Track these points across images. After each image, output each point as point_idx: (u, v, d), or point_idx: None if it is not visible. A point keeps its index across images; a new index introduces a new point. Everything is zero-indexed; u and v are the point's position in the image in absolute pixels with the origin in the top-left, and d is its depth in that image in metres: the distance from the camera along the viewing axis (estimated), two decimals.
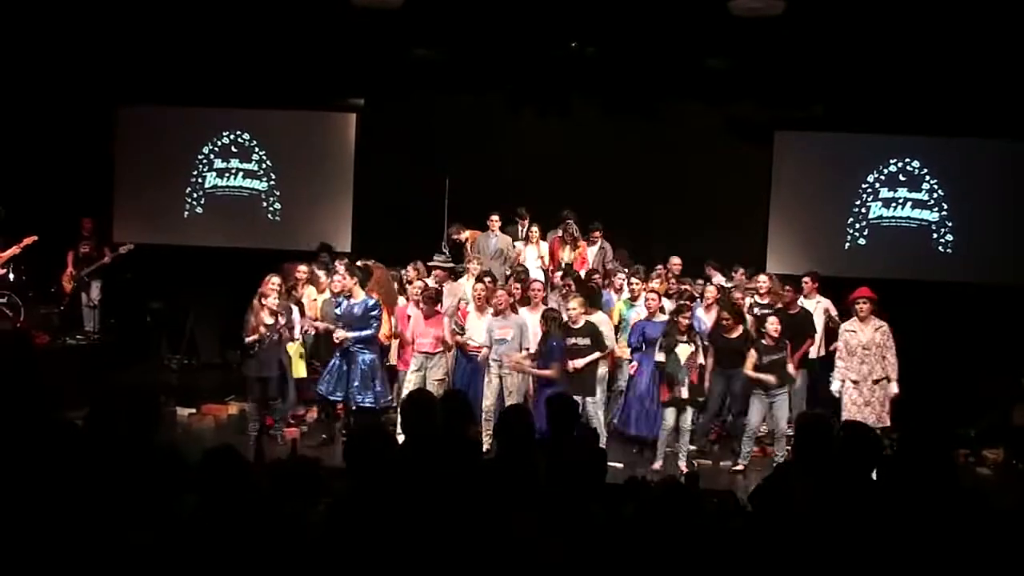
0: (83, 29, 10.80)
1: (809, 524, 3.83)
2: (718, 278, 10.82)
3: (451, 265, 10.31)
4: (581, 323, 8.57)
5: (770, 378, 8.38)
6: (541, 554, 3.63)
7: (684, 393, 8.41)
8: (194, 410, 9.83)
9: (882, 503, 3.81)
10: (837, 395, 8.67)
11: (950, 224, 12.03)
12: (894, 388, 8.47)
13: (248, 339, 8.68)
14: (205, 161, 13.05)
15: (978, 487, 4.17)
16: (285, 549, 3.63)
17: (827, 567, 3.65)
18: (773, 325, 8.51)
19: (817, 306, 9.88)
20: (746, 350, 8.59)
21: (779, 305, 9.67)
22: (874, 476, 4.05)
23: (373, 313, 8.74)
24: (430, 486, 3.98)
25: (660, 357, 8.56)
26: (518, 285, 9.50)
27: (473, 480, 4.30)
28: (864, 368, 8.48)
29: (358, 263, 9.67)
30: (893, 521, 3.70)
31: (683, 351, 8.43)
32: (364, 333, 8.69)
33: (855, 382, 8.51)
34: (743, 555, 3.79)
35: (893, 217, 12.17)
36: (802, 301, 9.85)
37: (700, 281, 10.54)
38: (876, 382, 8.48)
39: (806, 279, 10.10)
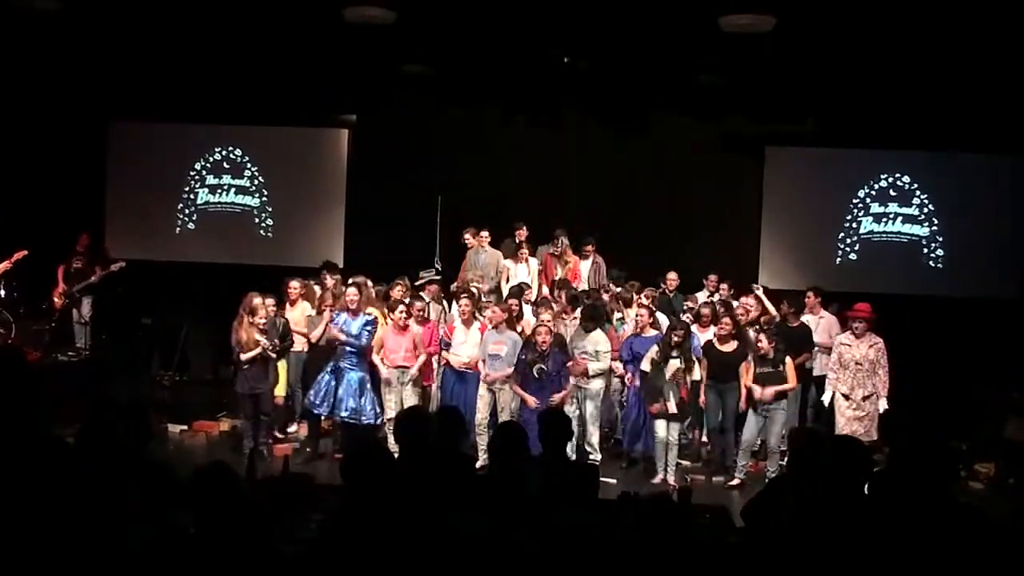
0: (76, 45, 10.79)
1: (801, 539, 3.83)
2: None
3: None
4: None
5: (767, 392, 8.35)
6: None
7: (672, 408, 8.42)
8: (186, 427, 9.79)
9: (874, 518, 3.81)
10: (827, 406, 8.74)
11: (940, 239, 12.08)
12: (884, 404, 8.57)
13: (244, 356, 8.66)
14: (197, 177, 13.07)
15: (973, 502, 4.17)
16: (279, 565, 3.61)
17: None
18: (762, 342, 8.52)
19: (820, 322, 9.81)
20: (739, 365, 8.62)
21: (778, 318, 9.62)
22: (866, 491, 4.05)
23: (368, 329, 8.73)
24: (426, 500, 3.98)
25: (645, 367, 8.56)
26: (516, 302, 9.50)
27: (468, 494, 4.30)
28: (855, 382, 8.57)
29: (350, 281, 9.65)
30: (885, 536, 3.70)
31: (671, 366, 8.45)
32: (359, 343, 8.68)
33: (845, 396, 8.58)
34: (735, 570, 3.78)
35: (884, 232, 12.22)
36: (805, 317, 9.80)
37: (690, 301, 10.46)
38: (866, 398, 8.55)
39: (809, 294, 10.05)
